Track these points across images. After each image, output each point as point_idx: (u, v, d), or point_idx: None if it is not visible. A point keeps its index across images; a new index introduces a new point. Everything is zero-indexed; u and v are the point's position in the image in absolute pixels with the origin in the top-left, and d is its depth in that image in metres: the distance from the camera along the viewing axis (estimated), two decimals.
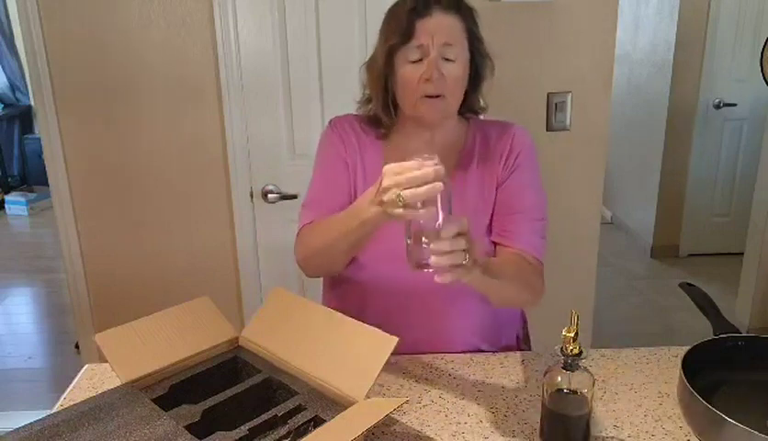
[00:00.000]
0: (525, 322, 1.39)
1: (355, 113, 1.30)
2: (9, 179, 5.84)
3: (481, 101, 1.26)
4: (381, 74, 1.17)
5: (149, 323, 1.10)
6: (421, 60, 1.12)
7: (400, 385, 1.13)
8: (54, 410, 1.06)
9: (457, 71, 1.14)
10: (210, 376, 0.99)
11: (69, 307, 2.51)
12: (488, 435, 1.00)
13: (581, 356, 0.89)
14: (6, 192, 5.65)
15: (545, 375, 0.92)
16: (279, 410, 0.94)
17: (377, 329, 1.01)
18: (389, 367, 1.18)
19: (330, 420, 0.91)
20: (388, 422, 1.02)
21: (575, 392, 0.91)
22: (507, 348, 1.29)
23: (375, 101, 1.23)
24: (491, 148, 1.24)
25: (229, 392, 0.99)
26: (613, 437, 0.98)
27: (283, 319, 1.13)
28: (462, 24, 1.15)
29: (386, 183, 0.91)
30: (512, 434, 1.00)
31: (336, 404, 0.96)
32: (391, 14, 1.17)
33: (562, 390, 0.91)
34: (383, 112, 1.21)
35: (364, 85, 1.26)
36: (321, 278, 1.35)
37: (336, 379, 0.99)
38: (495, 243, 1.22)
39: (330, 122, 1.32)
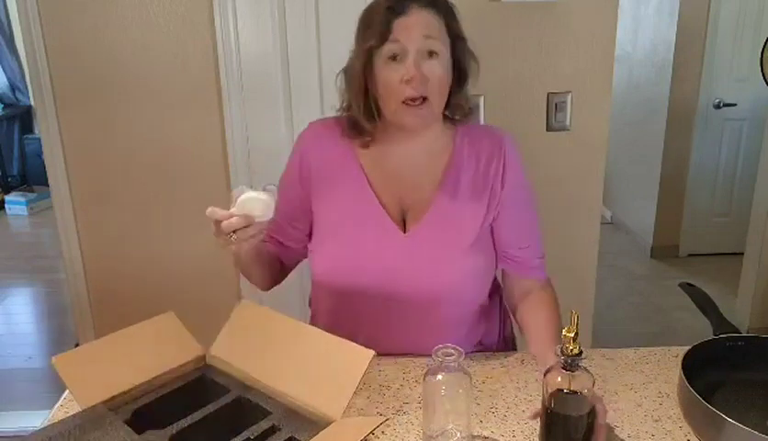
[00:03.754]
0: (507, 322, 1.36)
1: (337, 116, 1.25)
2: (9, 179, 5.84)
3: (469, 102, 1.21)
4: (361, 78, 1.13)
5: (110, 344, 1.05)
6: (398, 56, 1.08)
7: (400, 385, 1.13)
8: (54, 410, 1.06)
9: (439, 68, 1.10)
10: (177, 397, 0.94)
11: (69, 307, 2.52)
12: (488, 435, 1.00)
13: (581, 357, 0.89)
14: (6, 192, 5.65)
15: (545, 375, 0.92)
16: (252, 432, 0.91)
17: (351, 342, 0.99)
18: (389, 367, 1.18)
19: None
20: (388, 422, 1.02)
21: (575, 393, 0.91)
22: (488, 348, 1.28)
23: (355, 108, 1.17)
24: (482, 159, 1.20)
25: (197, 415, 0.95)
26: (613, 438, 0.98)
27: (252, 333, 1.08)
28: (441, 20, 1.11)
29: (214, 234, 1.03)
30: (512, 434, 1.00)
31: (312, 423, 0.93)
32: (367, 15, 1.13)
33: (562, 390, 0.91)
34: (365, 118, 1.16)
35: (342, 93, 1.20)
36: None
37: (311, 398, 0.95)
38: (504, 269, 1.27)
39: (307, 127, 1.27)
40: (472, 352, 1.24)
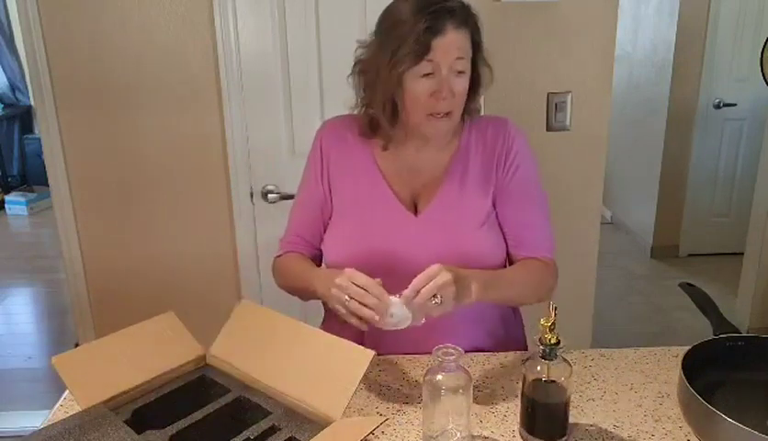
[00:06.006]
0: (521, 322, 1.38)
1: (352, 115, 1.28)
2: (9, 179, 5.84)
3: (478, 102, 1.26)
4: (387, 90, 1.14)
5: (110, 344, 1.05)
6: (431, 73, 1.11)
7: (400, 385, 1.13)
8: (54, 410, 1.06)
9: (464, 84, 1.15)
10: (177, 398, 0.93)
11: (69, 307, 2.51)
12: (487, 435, 1.00)
13: (559, 346, 0.91)
14: (6, 192, 5.65)
15: (523, 364, 0.94)
16: (252, 432, 0.91)
17: (352, 342, 0.99)
18: (389, 367, 1.18)
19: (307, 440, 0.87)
20: (388, 422, 1.02)
21: (554, 381, 0.93)
22: (508, 346, 1.29)
23: (378, 113, 1.18)
24: (488, 144, 1.25)
25: (197, 415, 0.95)
26: (613, 437, 0.98)
27: (252, 333, 1.09)
28: (469, 36, 1.14)
29: (339, 281, 1.03)
30: (512, 434, 1.00)
31: (312, 423, 0.93)
32: (396, 28, 1.10)
33: (541, 379, 0.93)
34: (389, 125, 1.19)
35: (358, 92, 1.22)
36: None
37: (311, 397, 0.95)
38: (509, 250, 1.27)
39: (322, 125, 1.32)
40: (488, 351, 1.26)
